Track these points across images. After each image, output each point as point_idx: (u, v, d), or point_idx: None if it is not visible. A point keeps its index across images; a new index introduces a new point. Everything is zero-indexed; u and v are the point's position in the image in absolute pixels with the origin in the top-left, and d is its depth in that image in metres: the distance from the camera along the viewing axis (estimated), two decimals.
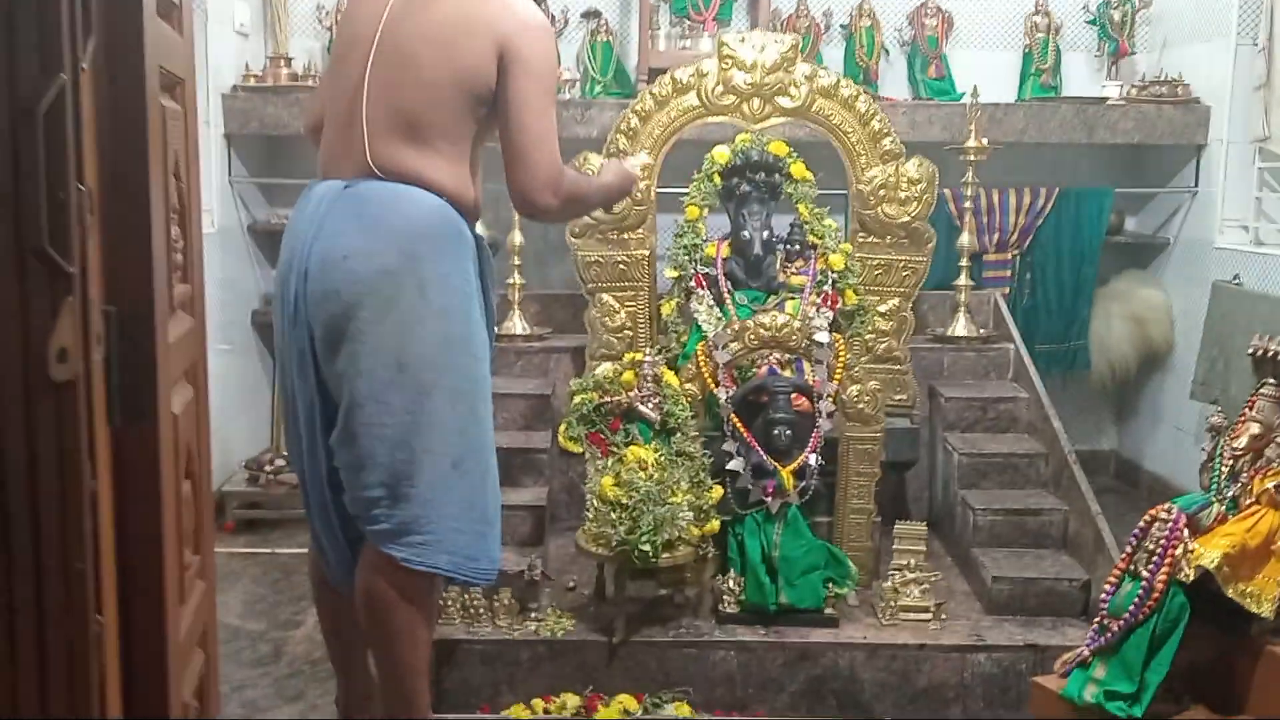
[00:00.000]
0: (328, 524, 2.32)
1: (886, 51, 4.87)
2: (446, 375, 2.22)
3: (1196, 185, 4.63)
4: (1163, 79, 4.63)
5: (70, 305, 1.13)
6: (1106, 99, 4.64)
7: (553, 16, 4.69)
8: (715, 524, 2.98)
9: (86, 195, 1.15)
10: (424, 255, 2.18)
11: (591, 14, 4.73)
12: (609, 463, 2.93)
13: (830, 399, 3.06)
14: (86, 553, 1.19)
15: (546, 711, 2.84)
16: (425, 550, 2.20)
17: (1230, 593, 2.20)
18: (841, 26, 4.86)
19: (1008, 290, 4.68)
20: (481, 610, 3.00)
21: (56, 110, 1.08)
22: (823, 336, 3.05)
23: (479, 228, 2.39)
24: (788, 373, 3.13)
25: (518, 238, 3.84)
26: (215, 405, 4.31)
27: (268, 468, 4.34)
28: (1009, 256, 4.74)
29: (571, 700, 2.85)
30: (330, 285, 2.16)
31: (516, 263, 3.86)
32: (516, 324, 3.88)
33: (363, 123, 2.21)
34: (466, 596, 3.00)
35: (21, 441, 1.15)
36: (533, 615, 3.04)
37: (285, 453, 4.19)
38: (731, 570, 3.06)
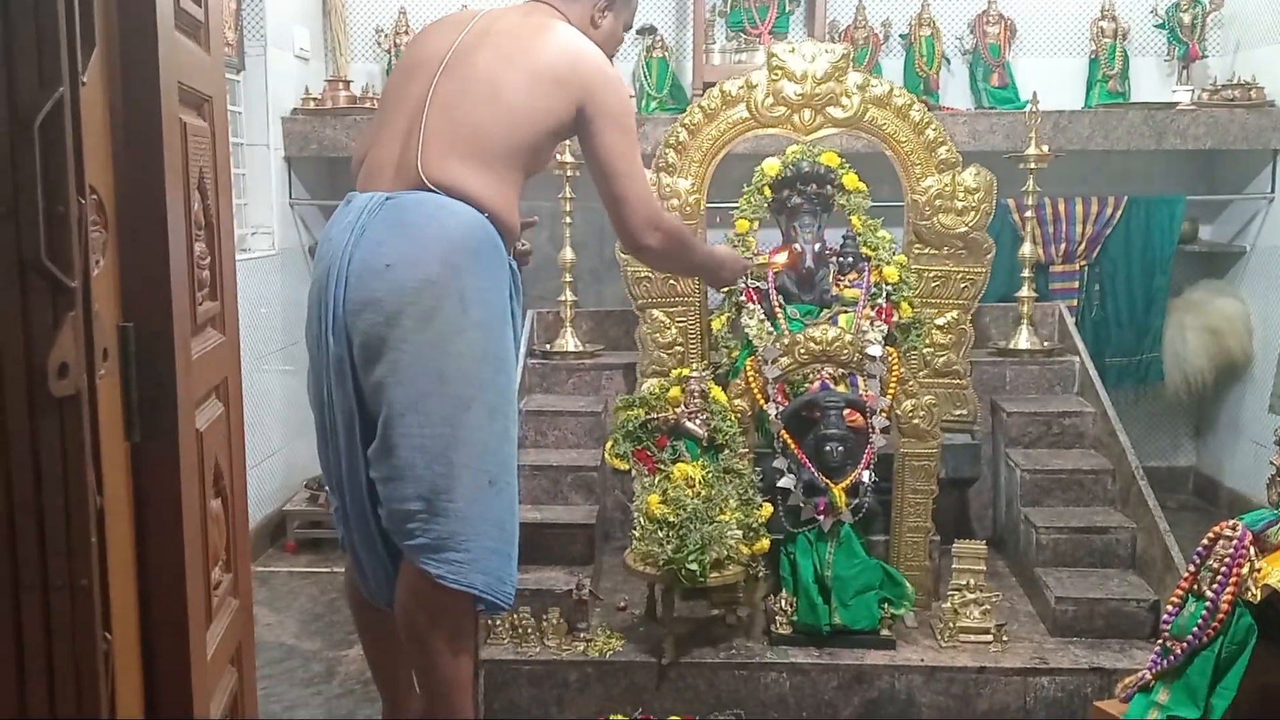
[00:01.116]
0: (367, 539, 2.31)
1: (947, 61, 4.78)
2: (484, 391, 2.21)
3: (1273, 191, 4.46)
4: (1235, 82, 4.48)
5: (72, 320, 1.12)
6: (1177, 104, 4.49)
7: None
8: (765, 543, 2.92)
9: (89, 209, 1.14)
10: (465, 267, 2.18)
11: (647, 30, 4.71)
12: (656, 480, 2.89)
13: (884, 414, 2.99)
14: (93, 569, 1.18)
15: None
16: (462, 569, 2.18)
17: None
18: (901, 36, 4.79)
19: (1076, 302, 4.56)
20: (530, 630, 2.98)
21: (54, 123, 1.08)
22: (876, 350, 2.98)
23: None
24: (841, 387, 3.07)
25: (569, 254, 3.82)
26: (277, 426, 4.41)
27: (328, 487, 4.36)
28: (1077, 267, 4.61)
29: None
30: (371, 294, 2.16)
31: (568, 279, 3.84)
32: (569, 341, 3.85)
33: (420, 133, 2.24)
34: (515, 616, 2.98)
35: (26, 457, 1.14)
36: (581, 635, 3.00)
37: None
38: (784, 590, 2.99)
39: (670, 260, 2.70)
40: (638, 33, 4.72)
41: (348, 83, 4.67)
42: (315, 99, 4.60)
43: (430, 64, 2.31)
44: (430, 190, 2.22)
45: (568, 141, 3.54)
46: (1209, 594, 2.12)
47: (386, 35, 4.82)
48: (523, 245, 2.52)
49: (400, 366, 2.15)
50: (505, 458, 2.26)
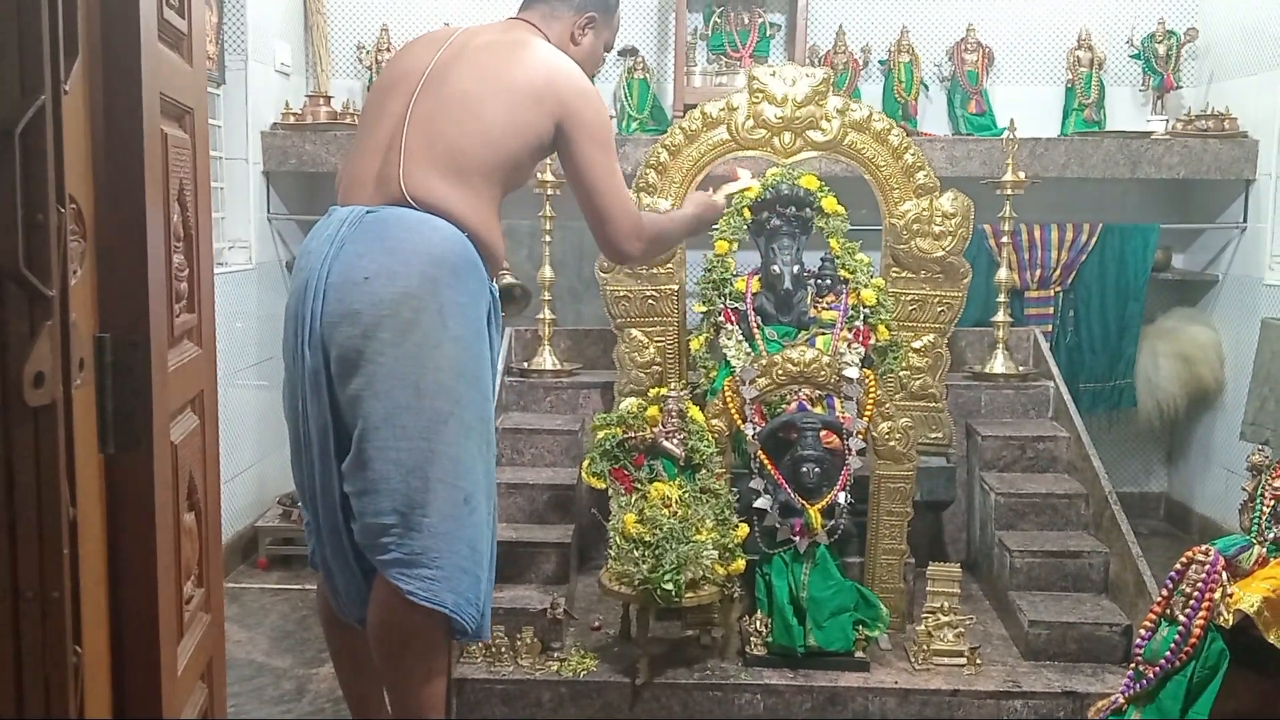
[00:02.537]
0: (340, 554, 2.29)
1: (926, 87, 4.82)
2: (461, 406, 2.20)
3: (1245, 221, 4.52)
4: (1210, 113, 4.54)
5: (49, 329, 1.12)
6: (1151, 133, 4.55)
7: None
8: (741, 563, 2.92)
9: (68, 218, 1.14)
10: (444, 281, 2.18)
11: (628, 51, 4.74)
12: (633, 499, 2.89)
13: (860, 436, 3.00)
14: (64, 581, 1.17)
15: None
16: (433, 586, 2.16)
17: (1272, 638, 2.10)
18: (880, 62, 4.84)
19: (1051, 327, 4.60)
20: (504, 649, 2.96)
21: (35, 131, 1.07)
22: (853, 372, 3.00)
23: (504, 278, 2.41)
24: (818, 409, 3.08)
25: (548, 272, 3.82)
26: (250, 442, 4.38)
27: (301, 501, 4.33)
28: (1051, 293, 4.65)
29: None
30: (350, 306, 2.15)
31: (547, 298, 3.85)
32: (546, 359, 3.85)
33: (400, 151, 2.25)
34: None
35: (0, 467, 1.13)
36: (555, 655, 2.99)
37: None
38: (759, 611, 2.99)
39: (655, 255, 2.77)
40: (619, 54, 4.74)
41: (328, 98, 4.67)
42: (295, 114, 4.60)
43: (410, 80, 2.32)
44: (411, 206, 2.22)
45: (548, 160, 3.55)
46: (1182, 619, 2.14)
47: (368, 52, 4.82)
48: (517, 284, 2.54)
49: (377, 379, 2.14)
50: (480, 476, 2.24)
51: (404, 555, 2.16)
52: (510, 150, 2.30)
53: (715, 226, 3.31)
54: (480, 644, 2.96)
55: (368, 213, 2.22)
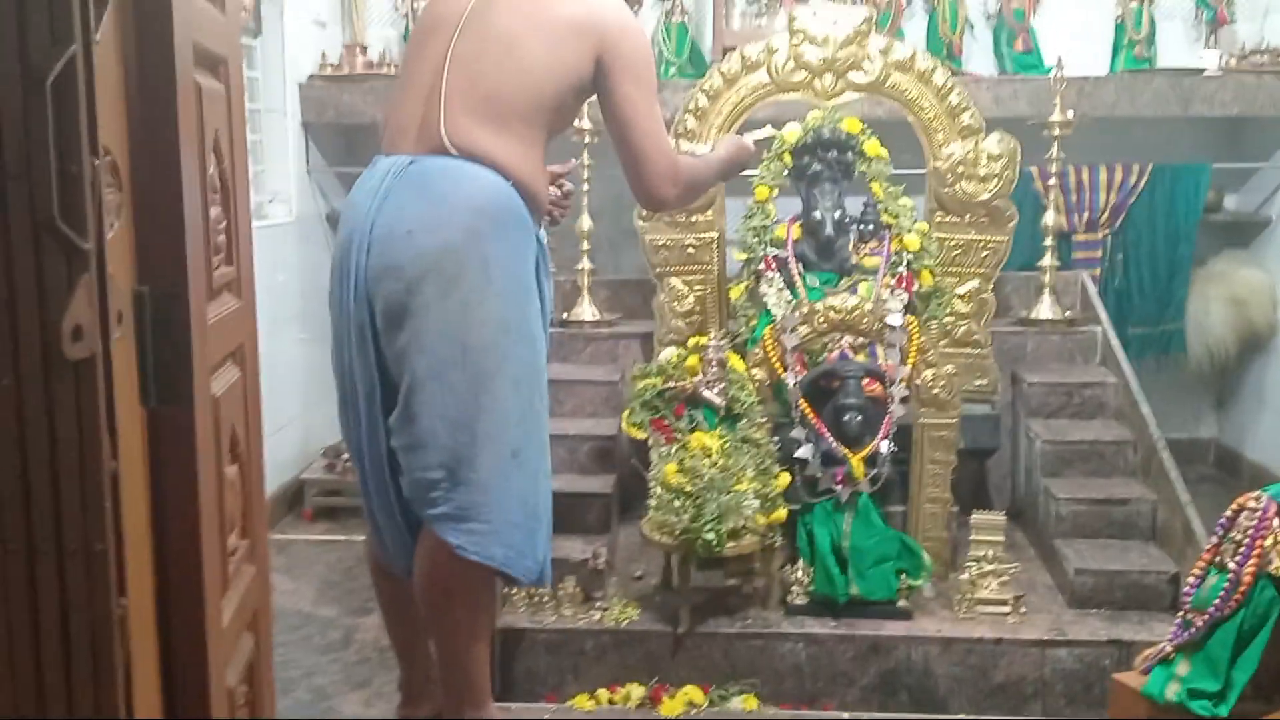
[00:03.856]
0: (387, 507, 2.30)
1: (971, 25, 4.71)
2: (508, 362, 2.18)
3: None
4: (1265, 48, 4.40)
5: (86, 282, 1.11)
6: (1203, 70, 4.42)
7: None
8: (782, 513, 2.91)
9: (102, 170, 1.13)
10: (487, 234, 2.15)
11: None
12: (673, 449, 2.88)
13: (903, 384, 2.96)
14: (107, 534, 1.17)
15: (611, 702, 2.80)
16: (481, 540, 2.16)
17: None
18: (924, 1, 4.72)
19: (1098, 271, 4.51)
20: (546, 599, 2.98)
21: (66, 81, 1.06)
22: (895, 319, 2.95)
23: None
24: (860, 357, 3.04)
25: (586, 222, 3.80)
26: (295, 394, 4.41)
27: (345, 455, 4.37)
28: (1100, 236, 4.56)
29: (636, 691, 2.81)
30: (393, 260, 2.13)
31: (585, 248, 3.82)
32: (586, 310, 3.84)
33: (440, 97, 2.19)
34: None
35: (41, 421, 1.13)
36: (598, 604, 3.00)
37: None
38: (800, 560, 2.98)
39: (689, 201, 2.67)
40: None
41: (365, 49, 4.64)
42: (333, 65, 4.57)
43: (448, 23, 2.26)
44: (454, 155, 2.18)
45: (586, 106, 3.50)
46: (1231, 566, 2.10)
47: (404, 0, 4.78)
48: (565, 186, 2.48)
49: (422, 334, 2.13)
50: (530, 430, 2.23)
51: (452, 510, 2.16)
52: (553, 91, 2.24)
53: (753, 171, 3.26)
54: (524, 593, 2.98)
55: (411, 163, 2.19)
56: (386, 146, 2.29)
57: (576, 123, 3.62)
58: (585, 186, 3.78)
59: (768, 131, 3.08)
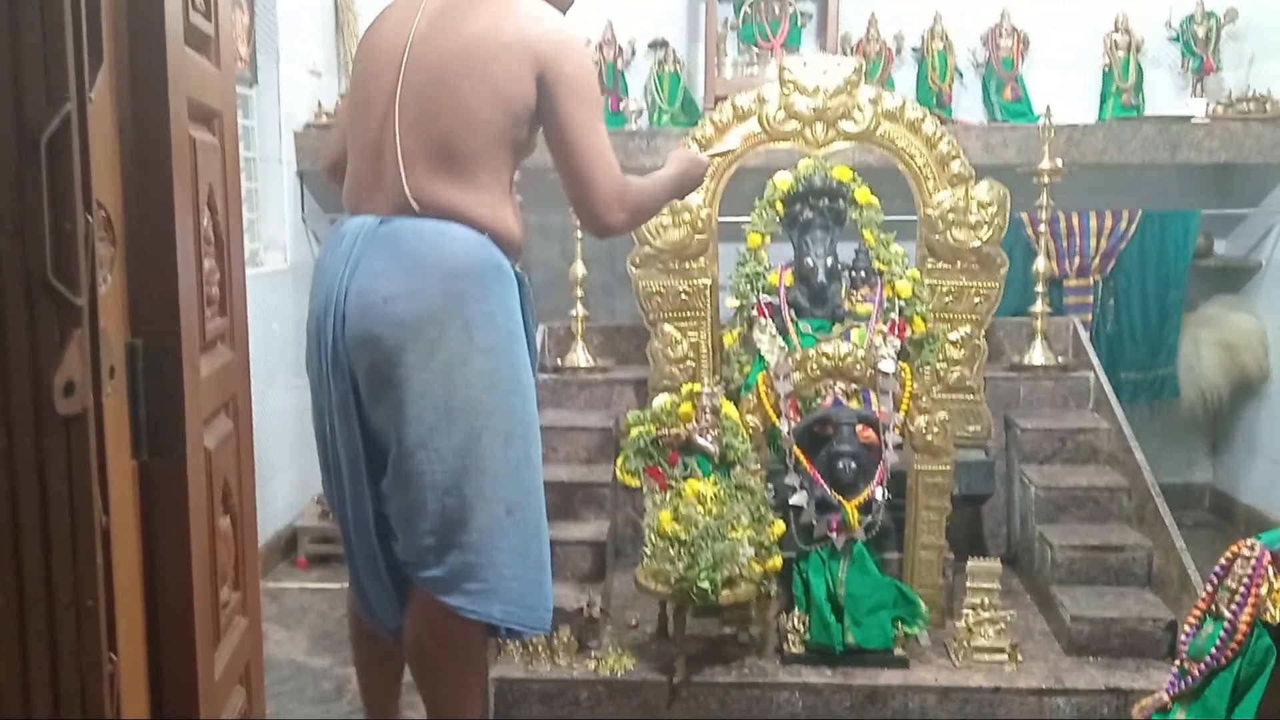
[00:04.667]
0: (373, 570, 2.25)
1: (960, 74, 4.76)
2: (495, 417, 2.13)
3: None
4: (1251, 96, 4.45)
5: (78, 337, 1.11)
6: (1191, 117, 4.47)
7: (619, 47, 4.69)
8: (777, 560, 2.90)
9: (95, 226, 1.13)
10: (468, 294, 2.09)
11: (659, 44, 4.71)
12: (667, 497, 2.87)
13: (897, 430, 2.97)
14: (99, 589, 1.16)
15: None
16: (479, 599, 2.12)
17: None
18: (913, 50, 4.77)
19: (1090, 316, 4.53)
20: (540, 649, 2.95)
21: (62, 139, 1.07)
22: (888, 366, 2.96)
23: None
24: (853, 403, 3.05)
25: (580, 269, 3.81)
26: (289, 441, 4.38)
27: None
28: (1091, 282, 4.58)
29: None
30: (371, 329, 2.07)
31: (579, 294, 3.83)
32: (580, 356, 3.84)
33: (396, 154, 2.11)
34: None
35: (32, 476, 1.13)
36: (592, 654, 2.98)
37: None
38: (796, 608, 2.97)
39: (638, 224, 2.47)
40: (649, 46, 4.72)
41: None
42: (328, 114, 4.61)
43: (387, 72, 2.14)
44: (422, 215, 2.11)
45: None
46: (1227, 614, 2.09)
47: None
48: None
49: (406, 403, 2.08)
50: (525, 483, 2.18)
51: (445, 574, 2.12)
52: (505, 126, 2.12)
53: (745, 219, 3.28)
54: (517, 643, 2.95)
55: (380, 224, 2.12)
56: (350, 205, 2.22)
57: None
58: (578, 234, 3.80)
59: (724, 145, 3.09)
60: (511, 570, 2.15)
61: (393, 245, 2.10)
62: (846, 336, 3.13)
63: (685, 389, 3.13)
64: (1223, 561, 2.13)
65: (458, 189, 2.11)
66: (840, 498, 2.91)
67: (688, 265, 3.37)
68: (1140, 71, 4.66)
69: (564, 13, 2.29)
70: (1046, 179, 3.77)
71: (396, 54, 2.14)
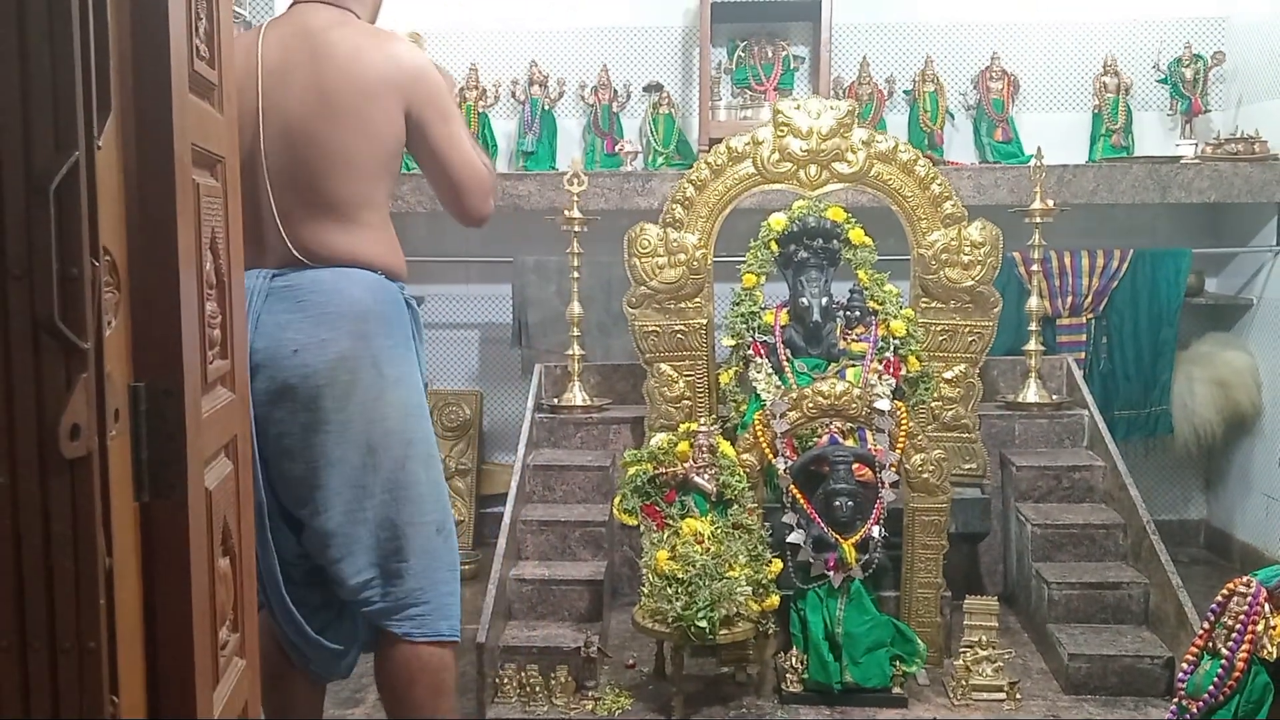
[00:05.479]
0: (284, 608, 2.20)
1: (951, 116, 4.82)
2: (415, 444, 2.20)
3: (1278, 244, 4.47)
4: (1239, 136, 4.50)
5: (84, 382, 1.13)
6: (1180, 158, 4.52)
7: (615, 90, 4.73)
8: (775, 599, 2.90)
9: (102, 271, 1.15)
10: (374, 333, 2.15)
11: (653, 87, 4.76)
12: (665, 536, 2.88)
13: (893, 468, 2.98)
14: (101, 632, 1.17)
15: None
16: (425, 621, 2.19)
17: None
18: (905, 92, 4.83)
19: (1084, 355, 4.55)
20: (538, 688, 2.95)
21: (70, 186, 1.09)
22: (884, 404, 2.98)
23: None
24: (849, 442, 3.06)
25: (577, 309, 3.83)
26: None
27: None
28: (1084, 320, 4.61)
29: None
30: (285, 382, 2.09)
31: (576, 333, 3.85)
32: (576, 395, 3.85)
33: (272, 211, 2.12)
34: (523, 674, 2.95)
35: (36, 518, 1.14)
36: (590, 693, 2.97)
37: None
38: (794, 647, 2.96)
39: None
40: (644, 90, 4.77)
41: None
42: None
43: (248, 124, 2.08)
44: (312, 266, 2.13)
45: (575, 198, 3.56)
46: (1224, 651, 2.10)
47: None
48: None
49: (328, 449, 2.10)
50: (443, 499, 2.26)
51: (390, 604, 2.18)
52: (381, 166, 2.18)
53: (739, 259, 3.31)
54: (515, 683, 2.95)
55: (274, 277, 2.14)
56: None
57: (566, 213, 3.65)
58: (574, 274, 3.82)
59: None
60: (448, 586, 2.23)
61: (291, 297, 2.12)
62: (842, 375, 3.15)
63: (682, 428, 3.14)
64: (1219, 599, 2.14)
65: (344, 234, 2.16)
66: (837, 536, 2.91)
67: (683, 305, 3.40)
68: (1130, 113, 4.72)
69: (373, 21, 2.31)
70: (1038, 219, 3.81)
71: (251, 112, 2.11)
